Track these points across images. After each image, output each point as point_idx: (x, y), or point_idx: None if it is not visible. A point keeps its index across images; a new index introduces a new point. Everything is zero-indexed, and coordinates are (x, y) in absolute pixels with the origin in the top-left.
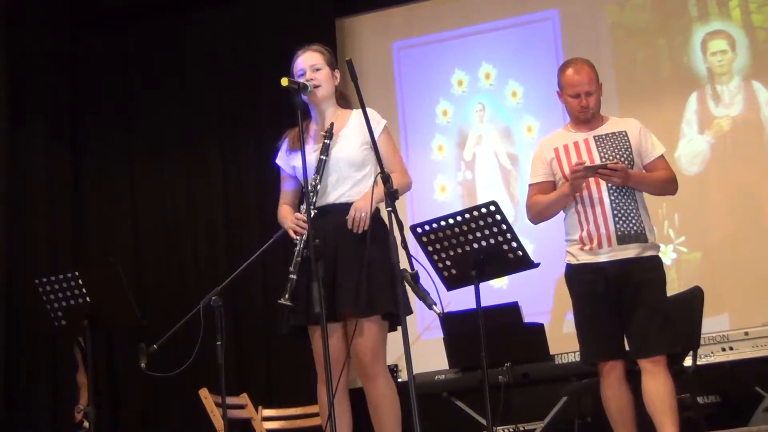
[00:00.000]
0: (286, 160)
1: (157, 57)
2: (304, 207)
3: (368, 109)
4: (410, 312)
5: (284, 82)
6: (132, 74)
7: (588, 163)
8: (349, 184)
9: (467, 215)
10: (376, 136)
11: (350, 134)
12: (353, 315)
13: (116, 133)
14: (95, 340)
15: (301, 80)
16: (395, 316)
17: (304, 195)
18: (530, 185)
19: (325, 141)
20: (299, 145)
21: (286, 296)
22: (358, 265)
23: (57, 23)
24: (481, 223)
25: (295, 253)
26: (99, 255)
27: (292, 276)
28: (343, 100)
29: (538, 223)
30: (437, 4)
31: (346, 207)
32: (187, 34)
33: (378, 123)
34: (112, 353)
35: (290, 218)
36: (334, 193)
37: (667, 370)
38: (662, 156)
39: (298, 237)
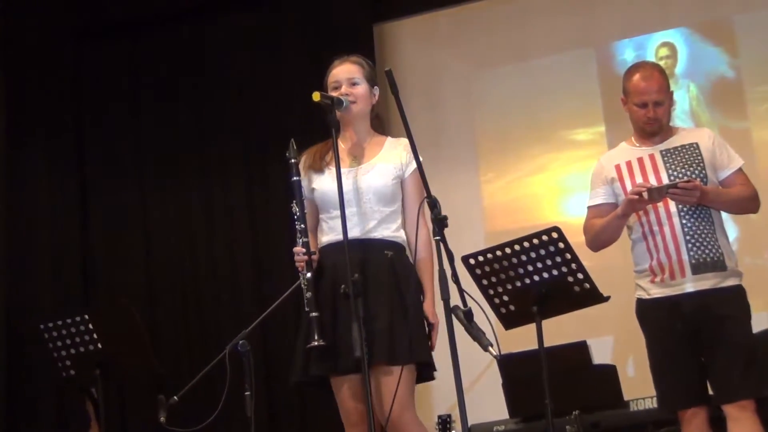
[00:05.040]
0: (308, 180)
1: (170, 69)
2: (305, 239)
3: (403, 140)
4: (432, 378)
5: (316, 96)
6: (142, 89)
7: (654, 185)
8: (377, 219)
9: (526, 243)
10: (411, 170)
11: (384, 165)
12: (383, 362)
13: (126, 154)
14: (108, 392)
15: (335, 94)
16: (424, 366)
17: (322, 222)
18: (588, 207)
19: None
20: (320, 164)
21: (316, 337)
22: (390, 308)
23: (59, 35)
24: (543, 252)
25: (304, 290)
26: (110, 295)
27: (313, 314)
28: (377, 121)
29: (597, 250)
30: (488, 6)
31: (373, 245)
32: (205, 44)
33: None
34: (126, 406)
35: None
36: (358, 227)
37: (757, 417)
38: (740, 169)
39: (302, 272)
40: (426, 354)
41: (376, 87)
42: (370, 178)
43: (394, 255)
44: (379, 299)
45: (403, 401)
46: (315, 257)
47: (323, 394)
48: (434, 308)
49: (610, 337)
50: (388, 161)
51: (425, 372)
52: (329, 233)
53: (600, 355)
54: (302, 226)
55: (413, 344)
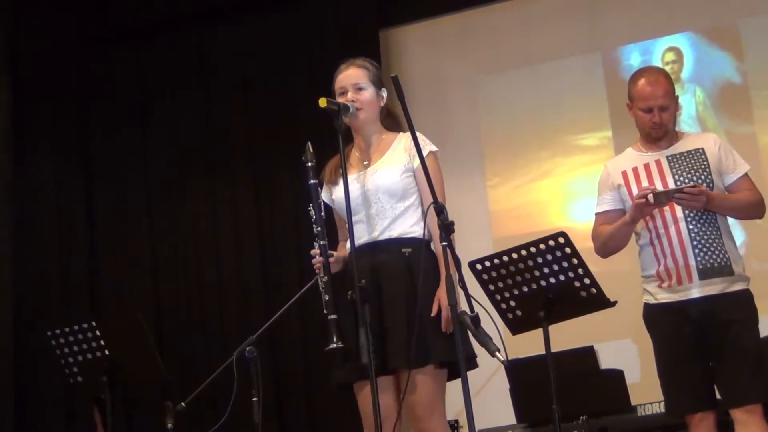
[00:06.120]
0: (328, 194)
1: (176, 75)
2: (322, 242)
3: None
4: (475, 366)
5: (322, 102)
6: (148, 96)
7: (660, 189)
8: (390, 217)
9: (533, 249)
10: (418, 163)
11: (391, 161)
12: (403, 367)
13: (133, 162)
14: (115, 398)
15: (342, 100)
16: (453, 364)
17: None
18: (596, 214)
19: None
20: (335, 177)
21: (335, 339)
22: (408, 308)
23: (65, 42)
24: (549, 257)
25: (322, 293)
26: (117, 301)
27: (332, 317)
28: (391, 120)
29: (606, 257)
30: (494, 12)
31: (389, 245)
32: (211, 50)
33: (424, 147)
34: (134, 413)
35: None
36: (376, 228)
37: (764, 421)
38: (746, 175)
39: (319, 274)
40: (446, 353)
41: (383, 89)
42: (377, 178)
43: (412, 252)
44: (395, 302)
45: (431, 405)
46: (332, 260)
47: (341, 398)
48: (444, 293)
49: (617, 342)
50: (394, 158)
51: (455, 370)
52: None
53: (607, 360)
54: (318, 228)
55: (432, 345)
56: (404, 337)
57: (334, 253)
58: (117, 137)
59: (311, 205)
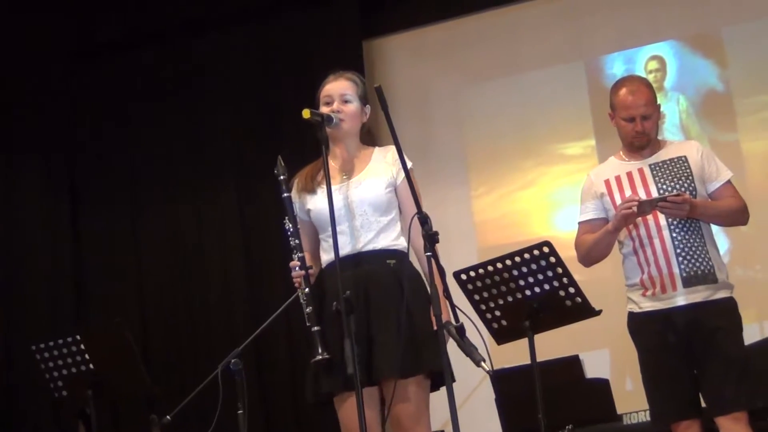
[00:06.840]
0: (299, 204)
1: (163, 88)
2: (300, 254)
3: (391, 147)
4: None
5: (306, 114)
6: (135, 109)
7: (643, 198)
8: (375, 230)
9: (518, 258)
10: (402, 178)
11: (376, 173)
12: (394, 376)
13: (118, 175)
14: (100, 412)
15: (327, 109)
16: (438, 374)
17: (322, 241)
18: (579, 223)
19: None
20: (311, 185)
21: (320, 350)
22: (396, 318)
23: (52, 55)
24: (534, 266)
25: (303, 305)
26: (102, 315)
27: (315, 329)
28: (369, 137)
29: (589, 266)
30: (477, 22)
31: (375, 256)
32: (197, 62)
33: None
34: (119, 426)
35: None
36: (360, 240)
37: (750, 429)
38: (729, 181)
39: (299, 287)
40: (434, 362)
41: (368, 105)
42: (361, 191)
43: (397, 263)
44: (384, 312)
45: (417, 415)
46: (312, 272)
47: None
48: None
49: (603, 351)
50: (377, 172)
51: (438, 381)
52: (329, 251)
53: (592, 369)
54: (296, 241)
55: (424, 354)
56: (396, 346)
57: (314, 266)
58: (102, 148)
59: (286, 218)
